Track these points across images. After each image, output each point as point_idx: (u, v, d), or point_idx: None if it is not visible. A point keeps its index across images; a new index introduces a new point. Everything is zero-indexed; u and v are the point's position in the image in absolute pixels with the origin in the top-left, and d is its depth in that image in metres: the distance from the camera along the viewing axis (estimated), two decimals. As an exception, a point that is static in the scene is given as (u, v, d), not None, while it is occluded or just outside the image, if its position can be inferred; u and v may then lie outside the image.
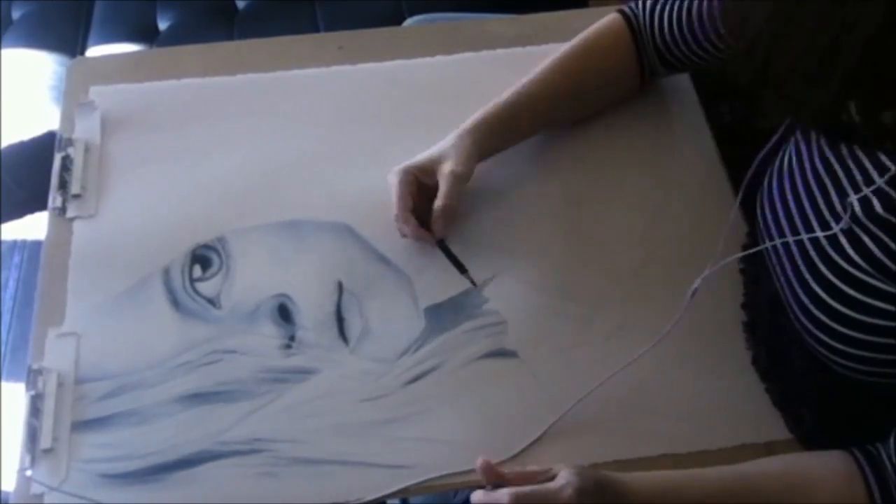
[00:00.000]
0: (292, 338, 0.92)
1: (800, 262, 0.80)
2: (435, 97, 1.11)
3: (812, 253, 0.78)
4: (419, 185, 0.96)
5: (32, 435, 0.86)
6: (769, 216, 0.86)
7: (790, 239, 0.81)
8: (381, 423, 0.87)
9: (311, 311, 0.94)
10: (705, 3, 0.95)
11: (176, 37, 1.63)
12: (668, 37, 1.00)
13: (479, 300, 0.95)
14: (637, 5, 1.03)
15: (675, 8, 0.99)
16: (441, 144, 0.98)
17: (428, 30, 1.25)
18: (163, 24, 1.67)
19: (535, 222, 1.00)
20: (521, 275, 0.96)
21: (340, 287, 0.95)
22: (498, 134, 1.00)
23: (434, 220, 0.95)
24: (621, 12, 1.04)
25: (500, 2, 1.44)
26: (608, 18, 1.05)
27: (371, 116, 1.10)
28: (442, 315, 0.94)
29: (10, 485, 0.85)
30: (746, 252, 0.87)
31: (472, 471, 0.81)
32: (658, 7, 1.01)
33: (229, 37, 1.62)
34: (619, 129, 1.08)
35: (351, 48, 1.16)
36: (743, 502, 0.77)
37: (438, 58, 1.15)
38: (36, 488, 0.83)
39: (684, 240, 0.99)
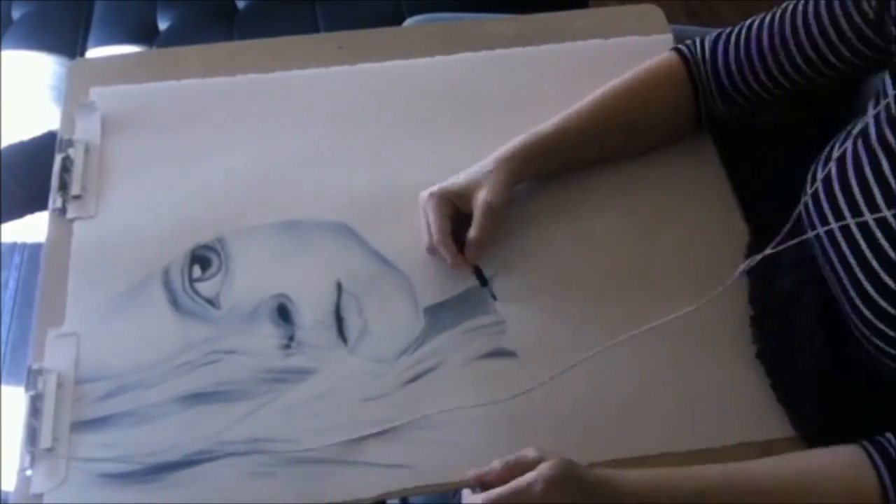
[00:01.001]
0: (291, 338, 0.92)
1: (864, 246, 0.79)
2: (435, 97, 1.12)
3: (880, 237, 0.77)
4: (455, 209, 0.95)
5: (32, 435, 0.86)
6: (825, 202, 0.84)
7: (850, 221, 0.80)
8: (381, 422, 0.87)
9: (311, 311, 0.94)
10: (776, 33, 0.93)
11: (176, 37, 1.63)
12: (734, 72, 0.97)
13: (478, 300, 0.95)
14: (694, 43, 1.01)
15: (741, 41, 0.96)
16: (477, 169, 0.96)
17: (428, 30, 1.25)
18: (163, 24, 1.67)
19: (535, 222, 1.00)
20: (520, 275, 0.97)
21: (339, 287, 0.96)
22: (535, 164, 0.99)
23: (468, 249, 0.94)
24: (677, 50, 1.02)
25: (499, 2, 1.44)
26: (663, 55, 1.02)
27: (371, 116, 1.10)
28: (441, 315, 0.94)
29: (10, 485, 0.85)
30: (799, 238, 0.84)
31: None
32: (720, 42, 0.98)
33: (229, 37, 1.62)
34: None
35: (350, 48, 1.16)
36: (743, 496, 0.76)
37: (438, 58, 1.16)
38: (36, 488, 0.83)
39: (684, 240, 0.99)
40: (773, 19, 0.94)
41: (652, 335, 0.88)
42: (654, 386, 0.89)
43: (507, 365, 0.91)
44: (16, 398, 1.33)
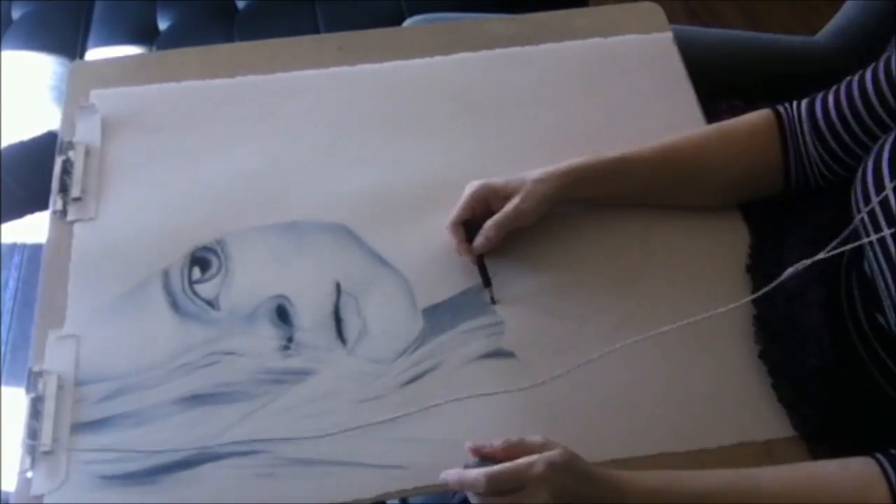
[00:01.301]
0: (290, 339, 0.92)
1: None
2: (434, 97, 1.12)
3: None
4: (486, 204, 0.95)
5: (33, 436, 0.86)
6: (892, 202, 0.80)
7: None
8: (380, 423, 0.87)
9: (310, 312, 0.94)
10: (877, 79, 0.87)
11: (176, 37, 1.63)
12: (835, 119, 0.90)
13: (477, 301, 0.95)
14: (791, 104, 0.95)
15: (841, 92, 0.90)
16: (529, 173, 0.95)
17: (427, 30, 1.25)
18: (163, 24, 1.67)
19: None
20: (519, 275, 0.97)
21: (338, 288, 0.96)
22: (586, 184, 0.96)
23: (476, 238, 0.94)
24: (773, 109, 0.96)
25: (499, 2, 1.44)
26: (757, 112, 0.97)
27: (370, 117, 1.10)
28: (440, 316, 0.94)
29: (10, 485, 0.85)
30: (860, 242, 0.80)
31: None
32: (818, 98, 0.92)
33: (229, 37, 1.62)
34: (618, 128, 1.08)
35: (350, 49, 1.16)
36: (744, 499, 0.76)
37: (438, 58, 1.16)
38: (36, 489, 0.84)
39: (683, 241, 0.99)
40: (875, 68, 0.88)
41: (650, 337, 0.88)
42: (653, 385, 0.89)
43: (505, 366, 0.91)
44: (16, 399, 1.34)
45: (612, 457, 0.85)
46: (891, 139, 0.81)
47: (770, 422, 0.87)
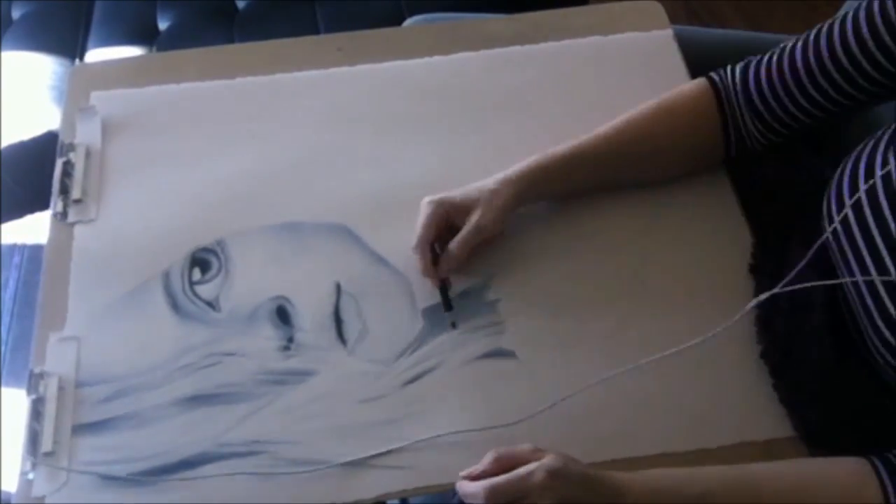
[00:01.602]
0: (291, 339, 0.92)
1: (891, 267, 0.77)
2: (434, 97, 1.12)
3: None
4: (448, 222, 0.95)
5: (34, 438, 0.86)
6: (845, 242, 0.82)
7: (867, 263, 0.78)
8: (380, 423, 0.87)
9: (310, 312, 0.94)
10: (810, 53, 0.89)
11: (176, 37, 1.63)
12: (768, 96, 0.93)
13: (477, 300, 0.95)
14: (725, 70, 0.98)
15: (773, 65, 0.93)
16: (481, 185, 0.95)
17: (427, 30, 1.25)
18: (163, 25, 1.67)
19: (534, 222, 1.00)
20: (519, 275, 0.97)
21: (339, 288, 0.96)
22: (544, 185, 0.97)
23: (441, 261, 0.94)
24: (707, 77, 0.99)
25: (499, 1, 1.44)
26: (692, 82, 1.00)
27: (370, 118, 1.10)
28: (440, 316, 0.94)
29: (11, 486, 0.85)
30: (821, 283, 0.83)
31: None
32: (751, 68, 0.95)
33: (229, 37, 1.62)
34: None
35: (350, 49, 1.16)
36: (747, 498, 0.76)
37: (437, 58, 1.16)
38: (37, 491, 0.84)
39: (684, 240, 0.99)
40: (806, 40, 0.90)
41: (653, 334, 0.88)
42: (653, 385, 0.89)
43: (506, 365, 0.91)
44: (17, 400, 1.34)
45: (612, 457, 0.85)
46: (869, 146, 0.82)
47: (770, 422, 0.87)
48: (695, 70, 1.12)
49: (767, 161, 1.01)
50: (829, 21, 0.89)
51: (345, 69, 1.14)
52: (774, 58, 0.93)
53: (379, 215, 1.01)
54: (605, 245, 0.99)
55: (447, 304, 0.94)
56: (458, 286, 0.96)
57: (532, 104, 1.10)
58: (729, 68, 0.97)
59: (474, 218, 0.93)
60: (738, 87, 0.96)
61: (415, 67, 1.15)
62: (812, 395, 0.86)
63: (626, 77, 1.13)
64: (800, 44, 0.91)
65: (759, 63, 0.95)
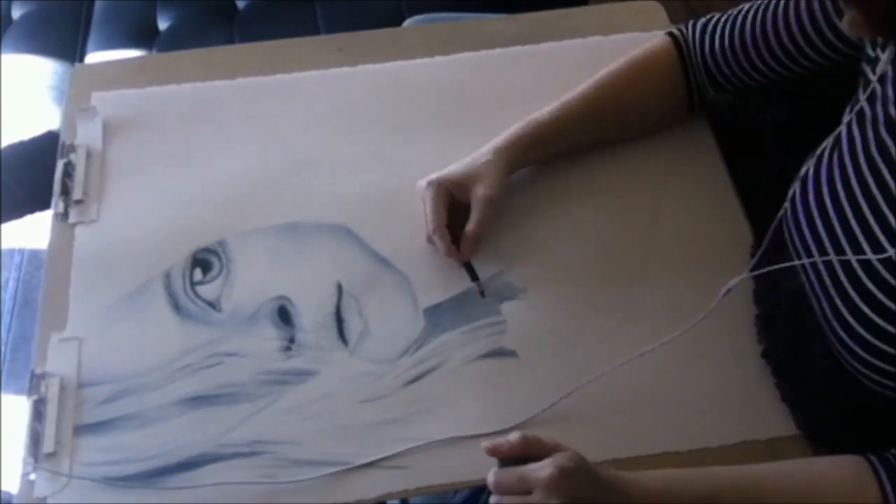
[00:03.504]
0: (292, 340, 0.92)
1: (843, 278, 0.79)
2: (434, 98, 1.12)
3: (860, 272, 0.77)
4: (451, 199, 0.96)
5: (35, 439, 0.86)
6: (804, 224, 0.85)
7: (834, 258, 0.80)
8: (381, 423, 0.87)
9: (311, 313, 0.94)
10: (758, 24, 0.95)
11: (176, 37, 1.63)
12: (719, 58, 0.99)
13: (478, 300, 0.95)
14: (686, 27, 1.02)
15: (728, 28, 0.98)
16: (475, 158, 0.97)
17: (427, 30, 1.25)
18: (163, 25, 1.67)
19: (535, 222, 1.00)
20: (520, 274, 0.97)
21: (340, 288, 0.96)
22: (532, 151, 1.00)
23: (463, 242, 0.95)
24: (670, 34, 1.03)
25: (499, 1, 1.44)
26: (656, 40, 1.04)
27: (371, 118, 1.10)
28: (441, 315, 0.94)
29: (11, 486, 0.86)
30: (783, 266, 0.85)
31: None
32: (710, 27, 1.00)
33: (229, 37, 1.62)
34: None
35: (350, 50, 1.16)
36: (748, 499, 0.76)
37: (438, 58, 1.16)
38: (39, 491, 0.84)
39: (684, 239, 0.99)
40: (758, 9, 0.96)
41: (654, 333, 0.88)
42: (654, 385, 0.89)
43: (507, 365, 0.91)
44: (17, 405, 1.34)
45: (613, 456, 0.85)
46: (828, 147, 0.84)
47: (772, 421, 0.87)
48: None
49: (768, 160, 1.01)
50: None
51: (345, 69, 1.14)
52: (729, 22, 0.98)
53: (380, 215, 1.01)
54: (606, 246, 0.99)
55: (473, 274, 0.95)
56: (459, 286, 0.96)
57: (532, 104, 1.10)
58: (691, 24, 1.02)
59: (481, 191, 0.94)
60: (697, 49, 1.01)
61: (415, 67, 1.15)
62: (814, 393, 0.86)
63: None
64: (752, 11, 0.96)
65: (716, 25, 1.00)
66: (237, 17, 1.67)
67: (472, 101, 1.12)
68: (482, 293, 0.94)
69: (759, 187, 1.02)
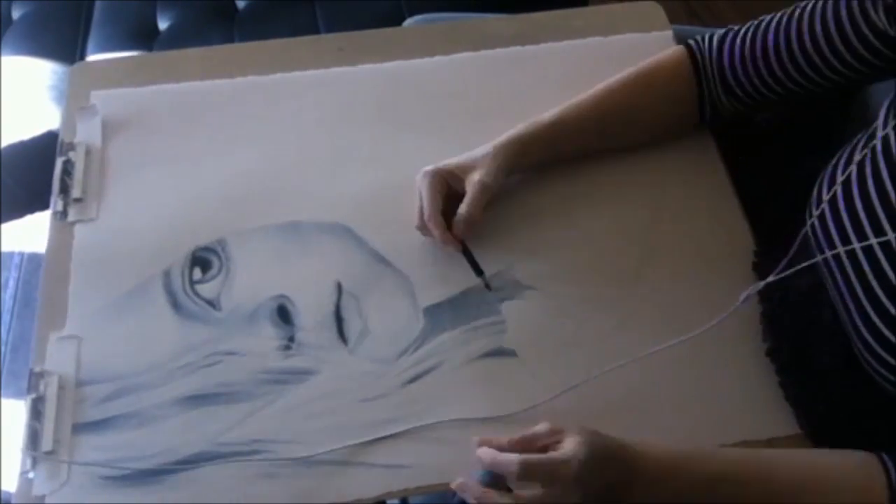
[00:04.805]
0: (292, 339, 0.92)
1: (868, 270, 0.79)
2: (435, 97, 1.12)
3: (884, 262, 0.77)
4: (447, 188, 0.96)
5: (34, 437, 0.86)
6: (831, 223, 0.84)
7: (856, 246, 0.80)
8: (381, 422, 0.87)
9: (311, 312, 0.94)
10: (782, 32, 0.93)
11: (176, 37, 1.63)
12: (738, 67, 0.97)
13: (478, 300, 0.95)
14: (703, 38, 1.01)
15: (749, 38, 0.96)
16: (475, 152, 0.97)
17: (427, 30, 1.25)
18: (163, 25, 1.67)
19: (535, 223, 1.00)
20: (519, 274, 0.97)
21: (339, 288, 0.96)
22: (533, 153, 0.99)
23: (455, 225, 0.95)
24: (686, 45, 1.02)
25: (499, 1, 1.44)
26: (671, 49, 1.03)
27: (371, 117, 1.10)
28: (441, 315, 0.94)
29: (11, 485, 0.85)
30: (802, 265, 0.83)
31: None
32: (728, 38, 0.98)
33: (229, 37, 1.62)
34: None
35: (350, 49, 1.16)
36: (758, 483, 0.77)
37: (438, 58, 1.16)
38: (38, 490, 0.84)
39: (685, 240, 0.99)
40: (781, 20, 0.93)
41: (654, 334, 0.88)
42: (657, 383, 0.89)
43: (507, 364, 0.91)
44: (17, 407, 1.34)
45: (614, 455, 0.85)
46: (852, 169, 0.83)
47: (775, 420, 0.87)
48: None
49: (768, 160, 1.01)
50: (806, 3, 0.92)
51: (345, 69, 1.14)
52: (749, 33, 0.96)
53: (379, 215, 1.01)
54: (606, 246, 0.99)
55: (476, 267, 0.95)
56: (459, 286, 0.96)
57: (532, 104, 1.10)
58: (707, 36, 1.00)
59: (477, 176, 0.95)
60: (714, 59, 0.99)
61: (415, 67, 1.15)
62: (819, 393, 0.86)
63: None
64: (774, 23, 0.94)
65: (735, 36, 0.98)
66: (237, 17, 1.67)
67: (472, 101, 1.12)
68: (488, 286, 0.94)
69: (759, 187, 1.02)
